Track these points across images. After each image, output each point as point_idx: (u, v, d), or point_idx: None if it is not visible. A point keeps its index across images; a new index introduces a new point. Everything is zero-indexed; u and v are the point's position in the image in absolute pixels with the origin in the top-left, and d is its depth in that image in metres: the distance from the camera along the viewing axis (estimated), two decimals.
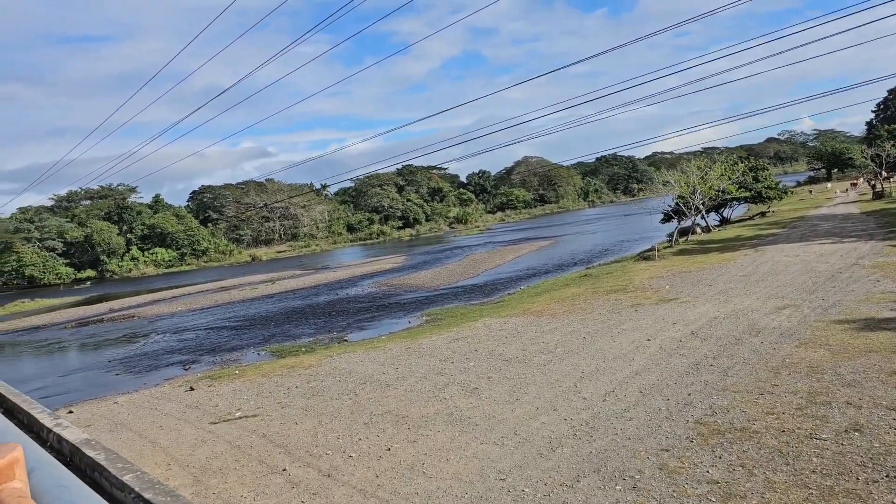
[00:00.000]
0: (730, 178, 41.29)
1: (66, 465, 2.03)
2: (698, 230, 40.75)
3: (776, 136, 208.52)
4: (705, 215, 40.32)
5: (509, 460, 10.32)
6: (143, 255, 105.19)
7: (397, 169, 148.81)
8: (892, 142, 65.34)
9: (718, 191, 40.02)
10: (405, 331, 25.17)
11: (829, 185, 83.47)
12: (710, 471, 8.85)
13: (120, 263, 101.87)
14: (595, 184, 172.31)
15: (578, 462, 9.82)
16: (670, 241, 37.59)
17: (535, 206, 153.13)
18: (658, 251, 33.49)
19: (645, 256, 33.70)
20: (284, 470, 11.30)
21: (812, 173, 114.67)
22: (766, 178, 47.40)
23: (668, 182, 38.15)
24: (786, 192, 51.26)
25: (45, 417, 2.44)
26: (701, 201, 38.41)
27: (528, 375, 14.83)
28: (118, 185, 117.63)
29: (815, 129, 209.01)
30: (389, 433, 12.43)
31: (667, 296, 22.13)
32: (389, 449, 11.59)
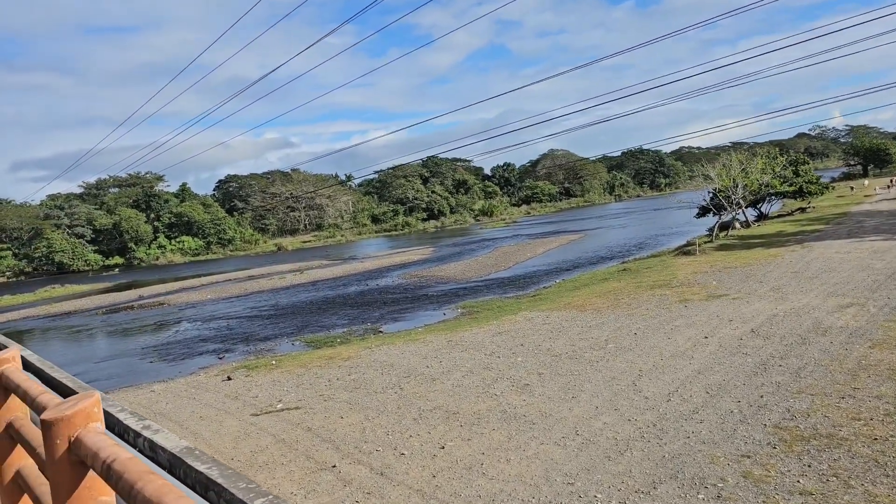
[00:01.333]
0: (773, 172, 40.19)
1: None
2: (737, 225, 39.71)
3: (807, 132, 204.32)
4: (745, 210, 39.26)
5: (574, 463, 9.73)
6: (170, 244, 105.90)
7: (422, 161, 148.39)
8: None
9: (762, 185, 38.95)
10: (442, 323, 24.64)
11: (865, 181, 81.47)
12: (800, 481, 8.19)
13: (147, 251, 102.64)
14: (621, 178, 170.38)
15: (651, 467, 9.20)
16: (710, 235, 36.62)
17: (561, 200, 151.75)
18: (698, 246, 32.60)
19: (685, 251, 32.81)
20: (334, 467, 10.82)
21: (846, 169, 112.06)
22: (806, 173, 46.10)
23: (708, 176, 37.13)
24: (826, 188, 49.92)
25: (129, 419, 2.12)
26: (742, 196, 37.38)
27: (581, 372, 14.22)
28: (146, 174, 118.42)
29: (846, 125, 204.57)
30: (441, 430, 11.90)
31: (715, 292, 21.34)
32: (443, 447, 11.06)
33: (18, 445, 2.99)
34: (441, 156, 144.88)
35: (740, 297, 19.87)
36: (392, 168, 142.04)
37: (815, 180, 46.50)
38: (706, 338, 15.48)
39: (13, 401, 3.06)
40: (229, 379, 18.30)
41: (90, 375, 23.09)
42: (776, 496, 7.87)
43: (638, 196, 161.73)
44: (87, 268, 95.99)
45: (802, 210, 48.00)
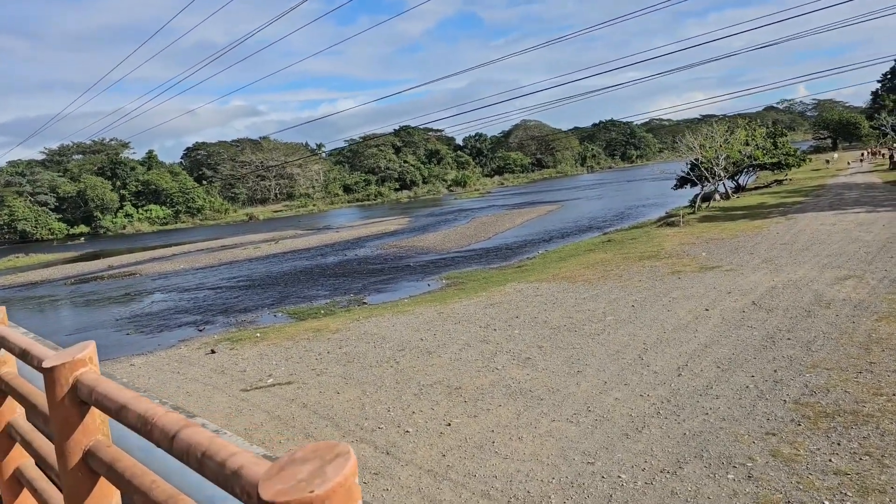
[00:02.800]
0: (757, 145, 40.17)
1: None
2: (717, 197, 39.66)
3: (775, 105, 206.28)
4: (726, 182, 39.20)
5: (591, 441, 9.36)
6: (138, 212, 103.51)
7: (394, 130, 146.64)
8: None
9: (745, 156, 38.88)
10: (428, 294, 24.14)
11: (835, 154, 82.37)
12: (832, 460, 7.90)
13: (114, 220, 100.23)
14: (593, 149, 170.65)
15: (673, 445, 8.86)
16: (692, 206, 36.51)
17: (533, 171, 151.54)
18: (682, 217, 32.47)
19: (668, 222, 32.66)
20: None
21: (815, 142, 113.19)
22: (784, 145, 46.21)
23: (692, 146, 36.86)
24: (804, 160, 50.19)
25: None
26: (723, 167, 37.27)
27: (582, 345, 13.85)
28: (111, 140, 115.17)
29: (813, 99, 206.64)
30: (444, 406, 11.45)
31: (707, 263, 21.14)
32: (450, 424, 10.62)
33: (8, 398, 3.13)
34: (412, 125, 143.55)
35: (733, 268, 19.68)
36: (363, 138, 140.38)
37: (793, 152, 46.67)
38: (707, 310, 15.21)
39: (6, 356, 3.11)
40: (213, 352, 17.63)
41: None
42: (810, 476, 7.57)
43: (610, 167, 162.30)
44: (51, 237, 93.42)
45: (779, 182, 48.24)
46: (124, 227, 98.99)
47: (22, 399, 2.75)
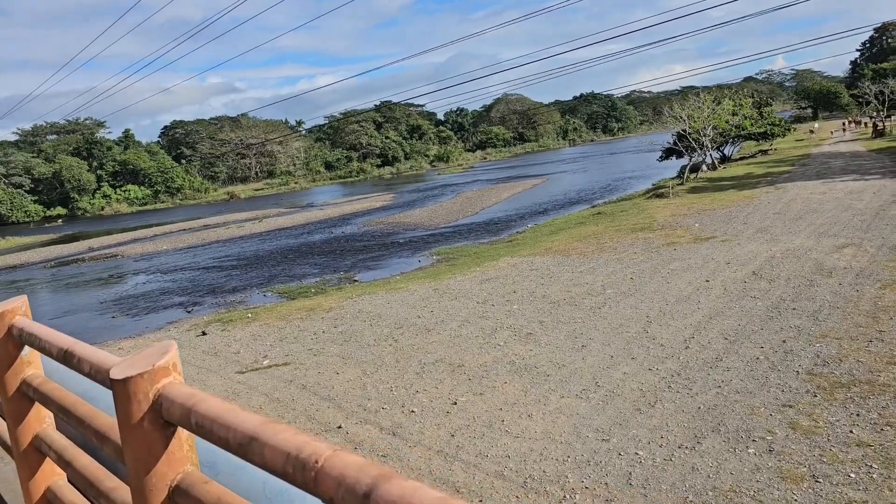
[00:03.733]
0: (745, 115, 40.06)
1: None
2: (704, 168, 39.54)
3: (754, 76, 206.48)
4: (712, 152, 39.07)
5: (603, 417, 9.16)
6: (116, 193, 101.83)
7: (375, 106, 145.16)
8: (880, 81, 64.24)
9: (733, 126, 38.76)
10: (419, 270, 23.84)
11: (816, 124, 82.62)
12: (853, 431, 7.75)
13: (91, 201, 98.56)
14: (574, 122, 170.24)
15: (688, 420, 8.68)
16: (681, 177, 36.36)
17: (516, 145, 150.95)
18: (671, 188, 32.32)
19: (657, 194, 32.49)
20: (340, 427, 10.06)
21: (795, 112, 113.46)
22: (769, 115, 46.15)
23: (680, 117, 36.60)
24: (789, 129, 50.21)
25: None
26: (711, 137, 37.12)
27: (584, 319, 13.64)
28: (86, 120, 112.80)
29: (792, 69, 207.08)
30: (448, 384, 11.20)
31: (700, 234, 21.00)
32: (455, 403, 10.37)
33: (36, 405, 2.68)
34: (393, 101, 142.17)
35: (729, 238, 19.54)
36: (343, 114, 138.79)
37: (778, 122, 46.64)
38: (707, 281, 15.05)
39: (32, 355, 2.69)
40: (204, 334, 17.25)
41: None
42: (832, 449, 7.42)
43: (592, 140, 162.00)
44: (27, 219, 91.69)
45: (764, 152, 48.25)
46: (102, 209, 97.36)
47: (59, 408, 2.28)
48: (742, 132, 40.91)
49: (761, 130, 43.25)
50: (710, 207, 26.10)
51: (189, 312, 21.82)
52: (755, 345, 10.84)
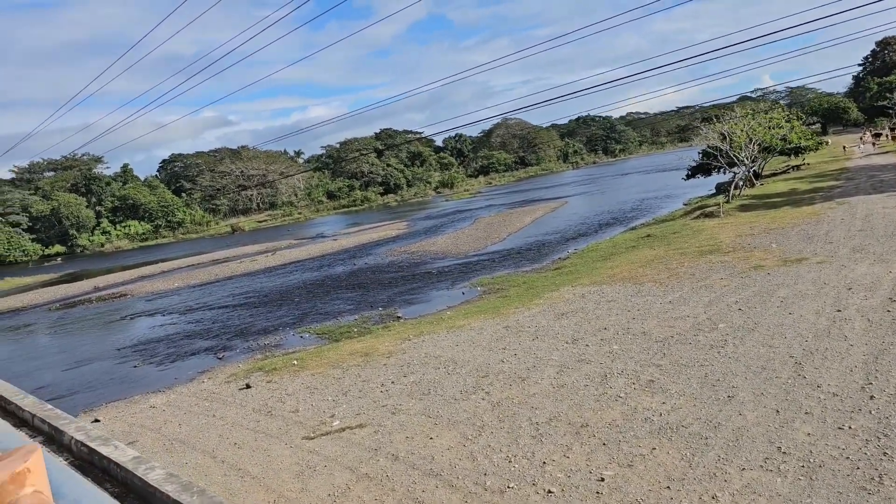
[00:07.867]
0: (792, 128, 38.43)
1: None
2: (740, 184, 37.63)
3: (749, 94, 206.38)
4: (749, 169, 37.23)
5: (819, 501, 7.04)
6: (116, 229, 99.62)
7: (375, 133, 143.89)
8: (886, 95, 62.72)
9: (779, 139, 37.01)
10: (470, 304, 21.74)
11: (828, 139, 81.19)
12: None
13: (91, 238, 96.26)
14: (574, 145, 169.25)
15: None
16: (726, 196, 34.42)
17: (518, 169, 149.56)
18: (721, 207, 30.41)
19: (706, 213, 30.53)
20: None
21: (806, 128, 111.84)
22: (798, 129, 44.47)
23: (723, 134, 34.71)
24: (821, 144, 48.48)
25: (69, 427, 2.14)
26: (753, 153, 35.30)
27: (709, 361, 11.55)
28: (83, 155, 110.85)
29: (786, 87, 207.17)
30: (579, 452, 9.08)
31: (787, 256, 18.98)
32: (602, 480, 8.25)
33: None
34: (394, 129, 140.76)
35: (825, 260, 17.53)
36: (340, 143, 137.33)
37: (810, 135, 44.96)
38: (839, 311, 12.98)
39: None
40: (248, 387, 15.07)
41: (60, 388, 19.45)
42: None
43: (594, 162, 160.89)
44: (25, 258, 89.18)
45: (797, 168, 46.50)
46: (103, 245, 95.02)
47: None
48: (788, 146, 39.15)
49: (812, 143, 41.61)
50: (775, 226, 24.13)
51: (220, 359, 19.63)
52: None
